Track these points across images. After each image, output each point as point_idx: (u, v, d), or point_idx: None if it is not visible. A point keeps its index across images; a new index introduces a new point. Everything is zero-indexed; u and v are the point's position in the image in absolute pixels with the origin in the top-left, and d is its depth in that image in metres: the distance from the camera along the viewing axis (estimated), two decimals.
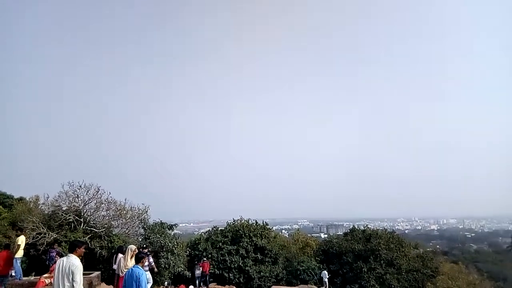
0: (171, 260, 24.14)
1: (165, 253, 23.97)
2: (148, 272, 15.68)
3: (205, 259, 26.84)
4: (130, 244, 13.43)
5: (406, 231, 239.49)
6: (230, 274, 28.90)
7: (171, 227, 27.54)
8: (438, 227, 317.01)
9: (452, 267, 36.84)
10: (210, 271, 28.66)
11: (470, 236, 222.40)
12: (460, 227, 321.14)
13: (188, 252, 28.65)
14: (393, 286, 28.26)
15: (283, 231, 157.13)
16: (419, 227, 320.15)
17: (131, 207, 25.89)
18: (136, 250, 11.13)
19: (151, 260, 16.18)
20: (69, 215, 22.47)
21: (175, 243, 25.39)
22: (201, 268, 25.05)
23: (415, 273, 29.81)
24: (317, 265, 30.19)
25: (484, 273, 50.37)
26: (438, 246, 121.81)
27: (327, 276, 27.12)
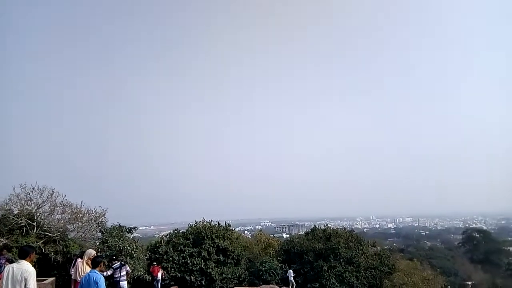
0: (130, 264, 23.54)
1: (123, 257, 23.32)
2: (125, 282, 15.72)
3: (155, 263, 26.19)
4: (89, 249, 13.09)
5: (365, 230, 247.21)
6: (192, 277, 28.54)
7: (130, 230, 26.88)
8: (395, 226, 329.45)
9: (408, 264, 38.33)
10: (171, 274, 28.24)
11: (424, 233, 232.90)
12: (415, 225, 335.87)
13: (148, 255, 28.04)
14: (352, 284, 28.98)
15: (246, 232, 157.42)
16: (377, 226, 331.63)
17: (87, 210, 25.05)
18: (95, 255, 10.83)
19: (128, 269, 16.45)
20: (21, 219, 21.37)
21: (135, 246, 24.81)
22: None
23: (373, 270, 30.70)
24: (279, 265, 30.45)
25: (437, 268, 52.78)
26: (394, 244, 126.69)
27: (293, 275, 27.39)
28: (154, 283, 24.73)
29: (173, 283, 27.93)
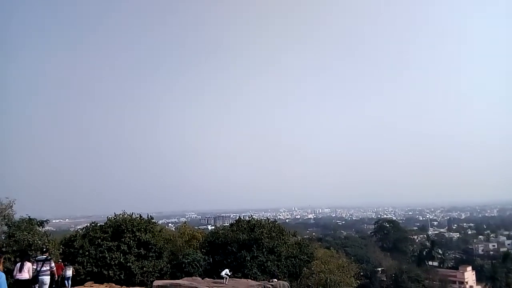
0: None
1: (33, 252, 21.49)
2: (48, 277, 14.51)
3: (60, 261, 24.15)
4: None
5: (287, 220, 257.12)
6: (110, 271, 27.24)
7: (41, 223, 24.90)
8: (314, 216, 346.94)
9: (325, 252, 40.50)
10: (88, 269, 26.66)
11: (341, 223, 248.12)
12: (333, 215, 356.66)
13: (61, 250, 26.18)
14: (273, 272, 29.77)
15: (170, 224, 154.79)
16: (298, 217, 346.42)
17: None
18: None
19: (53, 265, 15.25)
20: None
21: (46, 240, 23.00)
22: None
23: (293, 259, 31.85)
24: (203, 256, 30.28)
25: (351, 256, 56.51)
26: (314, 234, 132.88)
27: (229, 274, 26.76)
28: (65, 281, 22.97)
29: (89, 278, 26.39)
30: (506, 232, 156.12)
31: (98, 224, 31.13)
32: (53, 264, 15.41)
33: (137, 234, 29.27)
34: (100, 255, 27.64)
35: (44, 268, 14.44)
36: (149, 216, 32.72)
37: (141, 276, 27.94)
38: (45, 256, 15.01)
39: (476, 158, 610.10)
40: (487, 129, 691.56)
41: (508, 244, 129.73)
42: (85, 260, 27.13)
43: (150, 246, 29.61)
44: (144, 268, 28.25)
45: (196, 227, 47.32)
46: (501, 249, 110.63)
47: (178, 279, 26.28)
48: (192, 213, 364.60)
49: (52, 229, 37.04)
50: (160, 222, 44.67)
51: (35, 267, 13.90)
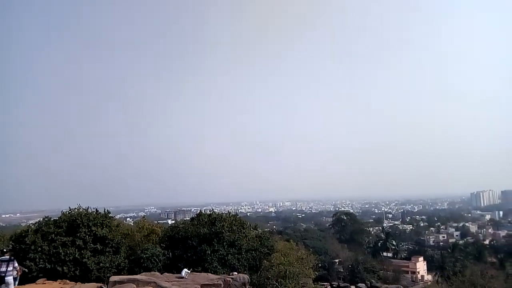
0: None
1: None
2: (12, 277, 14.32)
3: None
4: None
5: (248, 214, 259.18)
6: (64, 268, 26.21)
7: None
8: (276, 209, 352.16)
9: (285, 245, 40.99)
10: (40, 265, 25.55)
11: (301, 216, 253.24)
12: (293, 208, 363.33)
13: (10, 246, 24.91)
14: (233, 265, 29.86)
15: (128, 219, 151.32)
16: (260, 210, 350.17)
17: None
18: None
19: (16, 264, 15.45)
20: None
21: None
22: None
23: (253, 252, 32.07)
24: (162, 251, 29.83)
25: (310, 248, 57.69)
26: (274, 226, 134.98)
27: (188, 271, 26.30)
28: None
29: (41, 275, 25.30)
30: (455, 224, 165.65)
31: (52, 219, 29.80)
32: (16, 264, 15.47)
33: (93, 229, 28.31)
34: (54, 250, 26.51)
35: (9, 269, 14.56)
36: (105, 210, 31.76)
37: (97, 272, 27.09)
38: (8, 257, 15.02)
39: (429, 153, 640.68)
40: (439, 124, 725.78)
41: (457, 235, 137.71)
42: (38, 256, 25.88)
43: (107, 241, 28.75)
44: (101, 264, 27.41)
45: (156, 222, 46.61)
46: (450, 240, 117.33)
47: (136, 274, 25.78)
48: (151, 207, 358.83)
49: (1, 224, 35.19)
50: (117, 216, 43.56)
51: None
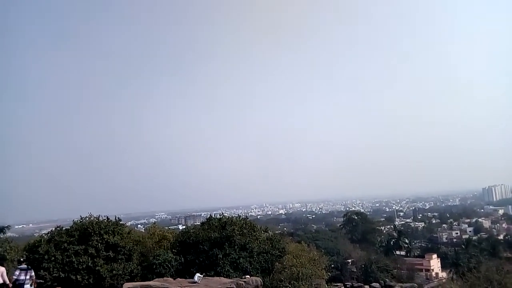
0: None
1: None
2: (29, 286, 15.09)
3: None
4: None
5: (259, 217, 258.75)
6: (78, 276, 26.45)
7: (1, 229, 23.84)
8: (286, 211, 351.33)
9: (297, 246, 40.86)
10: (54, 274, 25.79)
11: (311, 217, 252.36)
12: (303, 210, 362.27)
13: (24, 256, 25.16)
14: (246, 269, 29.80)
15: (139, 225, 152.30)
16: (270, 212, 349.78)
17: None
18: None
19: (33, 273, 16.23)
20: None
21: (8, 247, 22.06)
22: None
23: (265, 254, 31.96)
24: (174, 256, 29.88)
25: (322, 249, 57.36)
26: (285, 228, 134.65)
27: (201, 276, 26.25)
28: None
29: (56, 284, 25.55)
30: (468, 220, 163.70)
31: (64, 228, 30.19)
32: (33, 273, 16.20)
33: (105, 236, 28.53)
34: (67, 259, 26.78)
35: (27, 277, 15.31)
36: (116, 218, 31.96)
37: (110, 279, 27.27)
38: (26, 266, 15.92)
39: (438, 149, 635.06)
40: (447, 120, 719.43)
41: (470, 231, 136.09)
42: (51, 266, 26.20)
43: (119, 249, 28.94)
44: (114, 271, 27.59)
45: (167, 227, 46.64)
46: (464, 236, 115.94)
47: (149, 280, 25.87)
48: (162, 213, 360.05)
49: (14, 235, 35.57)
50: (128, 223, 43.81)
51: (17, 273, 15.11)
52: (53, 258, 26.50)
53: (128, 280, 27.15)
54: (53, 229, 30.75)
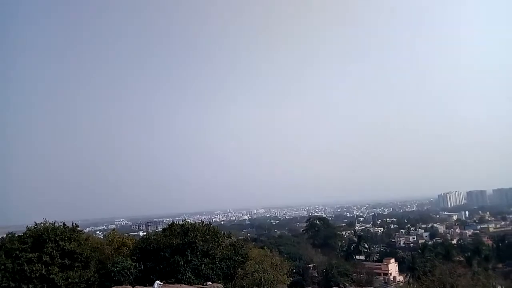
0: None
1: None
2: None
3: None
4: None
5: (222, 223, 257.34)
6: (30, 285, 25.25)
7: None
8: (250, 217, 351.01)
9: (259, 252, 41.05)
10: (3, 284, 24.51)
11: (275, 223, 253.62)
12: (267, 215, 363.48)
13: None
14: (208, 275, 29.56)
15: (98, 232, 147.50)
16: (234, 218, 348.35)
17: None
18: None
19: None
20: None
21: None
22: None
23: (227, 260, 31.86)
24: (133, 264, 29.17)
25: (284, 254, 57.89)
26: (249, 234, 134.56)
27: (160, 283, 25.62)
28: None
29: None
30: (424, 225, 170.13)
31: (16, 235, 28.77)
32: None
33: (61, 243, 27.44)
34: (18, 268, 25.52)
35: None
36: (73, 224, 30.84)
37: None
38: None
39: (396, 157, 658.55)
40: (406, 130, 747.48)
41: (426, 236, 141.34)
42: (1, 275, 24.88)
43: (75, 256, 27.93)
44: (69, 279, 26.55)
45: (127, 234, 45.50)
46: (420, 241, 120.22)
47: None
48: (122, 220, 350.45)
49: None
50: (86, 230, 42.37)
51: None
52: (2, 266, 25.20)
53: None
54: (4, 235, 29.29)
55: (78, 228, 30.85)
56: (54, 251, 26.98)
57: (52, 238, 27.39)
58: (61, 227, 29.29)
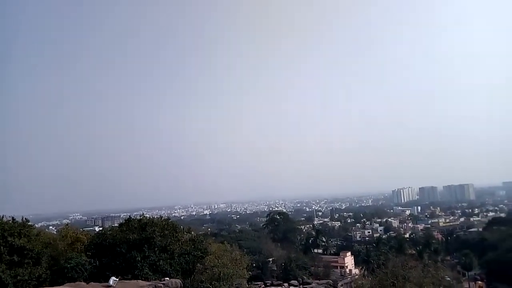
0: None
1: None
2: None
3: None
4: None
5: (182, 218, 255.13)
6: None
7: None
8: (211, 212, 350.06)
9: (219, 247, 41.02)
10: None
11: (236, 218, 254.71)
12: (228, 210, 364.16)
13: None
14: (165, 271, 29.18)
15: (51, 227, 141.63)
16: (194, 213, 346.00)
17: None
18: None
19: None
20: None
21: None
22: None
23: (186, 256, 31.57)
24: (88, 260, 28.29)
25: (244, 249, 58.22)
26: (209, 229, 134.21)
27: (116, 279, 24.99)
28: None
29: None
30: (379, 220, 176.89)
31: None
32: None
33: (9, 239, 26.04)
34: None
35: None
36: (24, 218, 29.39)
37: (14, 286, 24.99)
38: None
39: (354, 153, 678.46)
40: (365, 127, 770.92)
41: (380, 230, 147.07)
42: None
43: (25, 252, 26.61)
44: (18, 277, 25.31)
45: (81, 229, 44.03)
46: (375, 235, 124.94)
47: (59, 285, 24.26)
48: (76, 214, 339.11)
49: None
50: (38, 225, 40.67)
51: None
52: None
53: (35, 286, 25.27)
54: None
55: (28, 223, 29.36)
56: (2, 247, 25.60)
57: (0, 234, 26.01)
58: (10, 222, 27.81)
